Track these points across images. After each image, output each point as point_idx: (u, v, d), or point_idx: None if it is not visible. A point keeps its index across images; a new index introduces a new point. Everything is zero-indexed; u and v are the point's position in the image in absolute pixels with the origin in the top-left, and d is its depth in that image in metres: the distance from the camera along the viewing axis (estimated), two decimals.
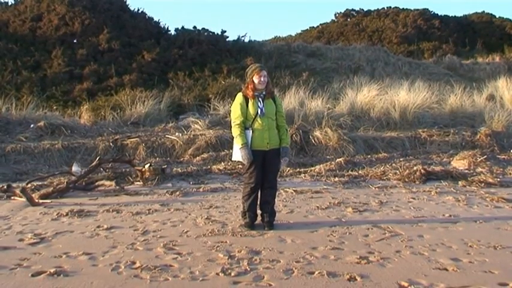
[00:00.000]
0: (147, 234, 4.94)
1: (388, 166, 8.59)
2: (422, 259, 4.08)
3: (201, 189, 7.16)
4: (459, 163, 8.69)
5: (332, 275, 3.72)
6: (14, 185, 7.20)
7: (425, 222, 5.26)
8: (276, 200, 5.24)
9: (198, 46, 18.49)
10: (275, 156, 4.97)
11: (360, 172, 8.25)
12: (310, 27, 34.19)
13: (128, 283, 3.63)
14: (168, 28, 20.47)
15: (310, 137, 10.09)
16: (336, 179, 7.75)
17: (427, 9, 30.05)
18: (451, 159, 9.12)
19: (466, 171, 8.10)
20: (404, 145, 10.35)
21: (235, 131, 4.94)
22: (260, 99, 4.94)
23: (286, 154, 5.03)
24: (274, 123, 5.03)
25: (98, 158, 8.03)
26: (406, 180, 7.51)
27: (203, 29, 20.29)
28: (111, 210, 5.98)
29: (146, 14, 20.58)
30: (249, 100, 4.95)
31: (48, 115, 12.03)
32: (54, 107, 13.46)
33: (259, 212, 5.15)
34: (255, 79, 4.91)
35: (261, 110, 4.91)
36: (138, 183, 7.64)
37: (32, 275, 3.79)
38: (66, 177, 7.73)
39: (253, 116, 4.92)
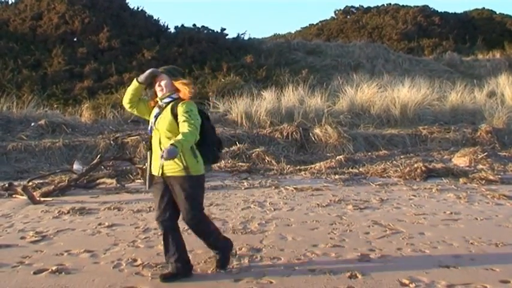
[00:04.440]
0: (148, 231, 4.94)
1: (388, 163, 8.59)
2: (423, 256, 4.08)
3: None
4: (460, 160, 8.69)
5: (333, 272, 3.72)
6: (16, 183, 7.20)
7: (426, 219, 5.25)
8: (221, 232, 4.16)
9: (197, 44, 18.49)
10: (177, 188, 3.51)
11: (360, 169, 8.25)
12: (309, 25, 34.15)
13: (130, 280, 3.64)
14: (167, 26, 20.56)
15: (310, 134, 10.09)
16: (337, 176, 7.75)
17: (427, 5, 30.00)
18: (452, 156, 9.12)
19: (467, 168, 8.10)
20: (405, 142, 10.35)
21: None
22: (158, 109, 3.63)
23: (166, 152, 3.17)
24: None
25: (98, 156, 8.03)
26: (407, 177, 7.51)
27: (203, 26, 20.36)
28: (112, 208, 5.98)
29: (146, 12, 20.65)
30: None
31: (48, 113, 12.05)
32: (55, 106, 13.47)
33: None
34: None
35: (151, 126, 3.63)
36: (138, 181, 7.64)
37: (34, 273, 3.80)
38: (67, 175, 7.73)
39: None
